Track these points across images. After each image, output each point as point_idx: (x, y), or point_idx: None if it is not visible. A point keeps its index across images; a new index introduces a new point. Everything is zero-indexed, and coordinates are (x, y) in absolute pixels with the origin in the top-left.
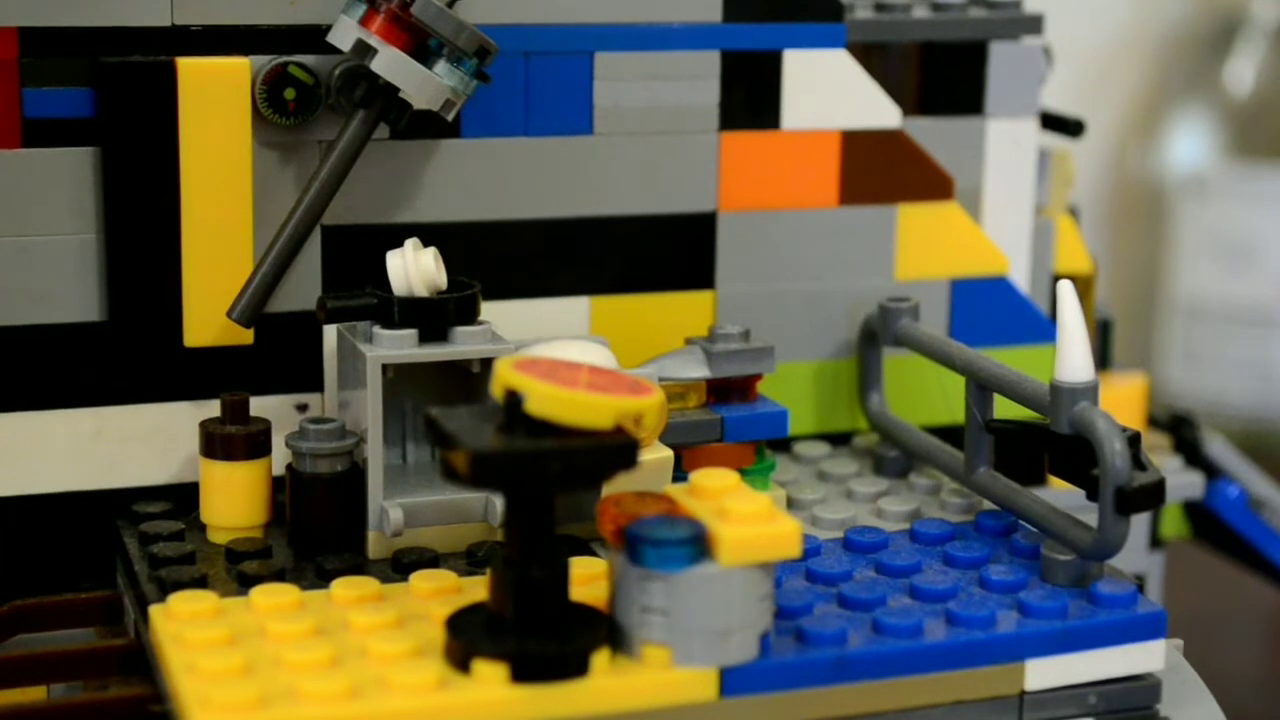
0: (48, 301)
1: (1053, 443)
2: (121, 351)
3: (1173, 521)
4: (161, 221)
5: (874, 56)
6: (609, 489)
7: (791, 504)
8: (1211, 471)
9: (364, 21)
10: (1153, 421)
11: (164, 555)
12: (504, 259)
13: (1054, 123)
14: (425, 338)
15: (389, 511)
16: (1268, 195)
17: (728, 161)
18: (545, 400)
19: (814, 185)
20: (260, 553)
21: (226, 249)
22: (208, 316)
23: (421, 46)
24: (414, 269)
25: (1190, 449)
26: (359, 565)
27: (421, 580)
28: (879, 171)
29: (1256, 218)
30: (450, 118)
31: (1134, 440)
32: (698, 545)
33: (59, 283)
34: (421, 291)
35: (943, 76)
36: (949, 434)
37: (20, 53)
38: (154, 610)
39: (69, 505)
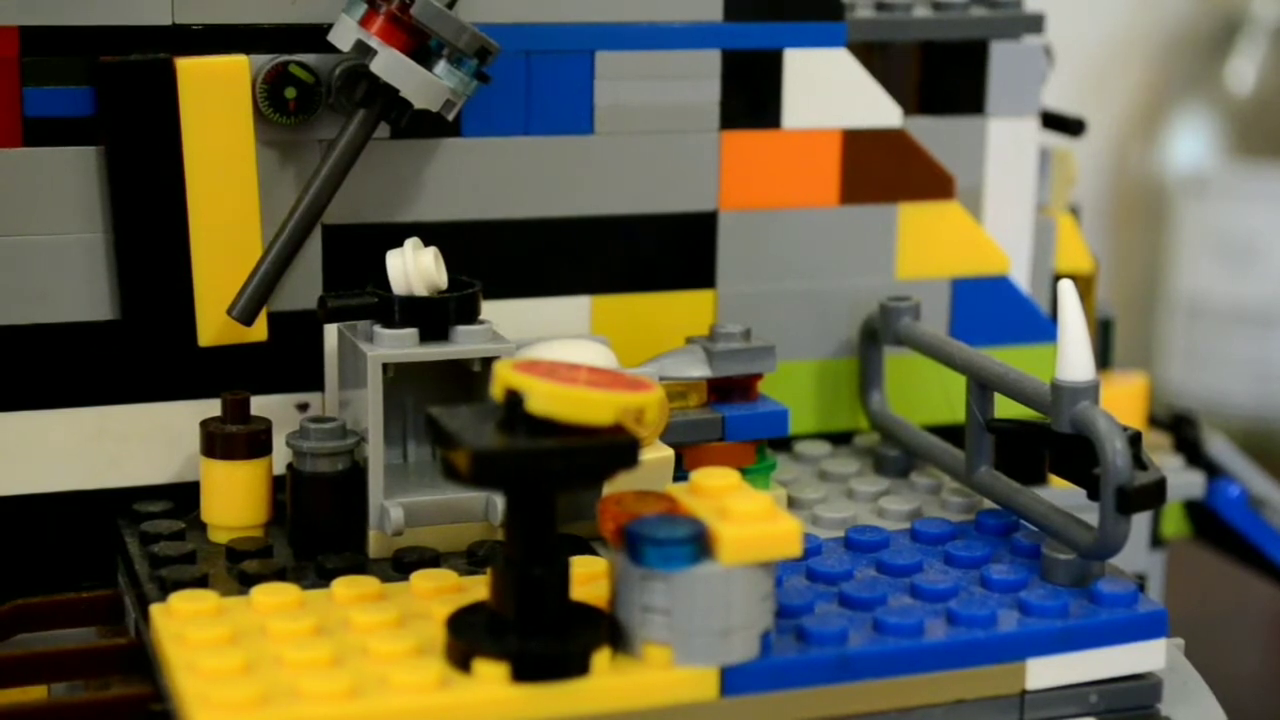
0: (50, 300)
1: (1053, 442)
2: (135, 350)
3: (1173, 521)
4: (169, 220)
5: (875, 55)
6: (610, 488)
7: (792, 503)
8: (1212, 471)
9: (364, 22)
10: (1153, 421)
11: (165, 554)
12: (504, 258)
13: (1055, 122)
14: (426, 337)
15: (390, 511)
16: (1268, 195)
17: (728, 161)
18: (546, 397)
19: (815, 184)
20: (261, 552)
21: (236, 247)
22: (221, 315)
23: (422, 47)
24: (414, 269)
25: (1191, 448)
26: (360, 564)
27: (422, 579)
28: (880, 170)
29: (1257, 217)
30: (451, 117)
31: (1135, 439)
32: (699, 544)
33: (62, 281)
34: (421, 291)
35: (944, 75)
36: (950, 433)
37: (21, 51)
38: (155, 609)
39: (70, 504)
